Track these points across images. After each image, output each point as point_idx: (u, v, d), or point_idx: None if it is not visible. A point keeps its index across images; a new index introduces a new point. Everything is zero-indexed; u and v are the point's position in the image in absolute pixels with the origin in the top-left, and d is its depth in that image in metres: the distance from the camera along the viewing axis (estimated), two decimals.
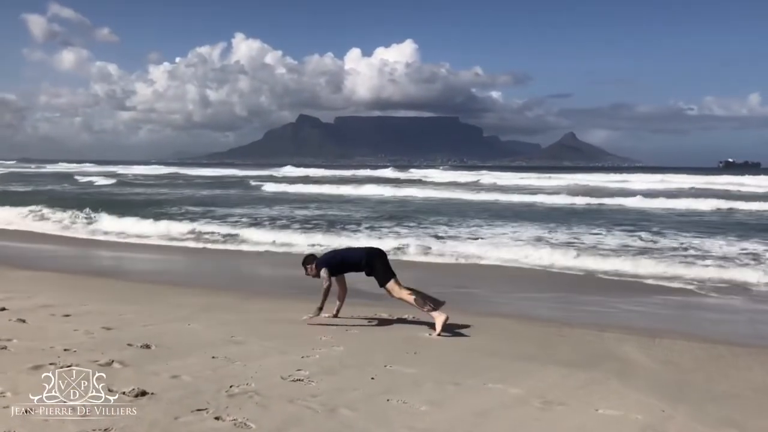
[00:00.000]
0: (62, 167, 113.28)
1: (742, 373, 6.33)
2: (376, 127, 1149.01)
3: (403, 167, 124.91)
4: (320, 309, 7.73)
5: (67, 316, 7.63)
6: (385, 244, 14.44)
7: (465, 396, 5.19)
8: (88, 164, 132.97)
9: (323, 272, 7.80)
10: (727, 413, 5.04)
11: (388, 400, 4.99)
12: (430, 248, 15.07)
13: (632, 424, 4.69)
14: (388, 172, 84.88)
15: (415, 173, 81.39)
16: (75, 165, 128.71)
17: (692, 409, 5.09)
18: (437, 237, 17.23)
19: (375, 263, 7.77)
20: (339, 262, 7.90)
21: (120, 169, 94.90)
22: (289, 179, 61.68)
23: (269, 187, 45.82)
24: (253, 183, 52.97)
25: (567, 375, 5.91)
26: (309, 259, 8.04)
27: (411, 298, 7.52)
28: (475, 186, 51.40)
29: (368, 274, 7.84)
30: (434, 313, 7.41)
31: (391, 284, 7.66)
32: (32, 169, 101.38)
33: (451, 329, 7.54)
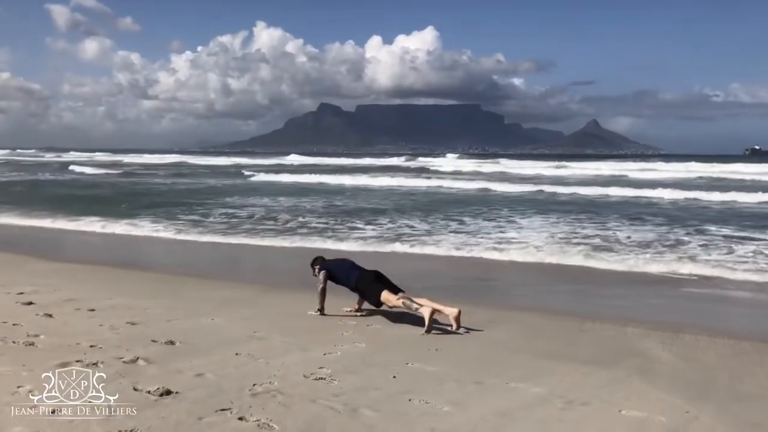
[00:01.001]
0: (71, 156, 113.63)
1: (767, 371, 6.25)
2: (397, 115, 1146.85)
3: (423, 155, 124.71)
4: (320, 310, 8.00)
5: (92, 310, 7.73)
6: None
7: (487, 395, 5.19)
8: (100, 153, 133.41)
9: (321, 275, 8.16)
10: (754, 414, 4.99)
11: (410, 399, 5.00)
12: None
13: (656, 426, 4.65)
14: (395, 161, 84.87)
15: (429, 162, 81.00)
16: (87, 154, 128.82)
17: (717, 409, 5.04)
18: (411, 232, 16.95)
19: (364, 289, 7.99)
20: (334, 275, 8.21)
21: (129, 158, 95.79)
22: (289, 168, 61.85)
23: (260, 178, 46.58)
24: (246, 173, 53.18)
25: (589, 373, 5.89)
26: (316, 261, 8.46)
27: (400, 302, 7.60)
28: (497, 176, 50.88)
29: (362, 297, 8.13)
30: (422, 310, 7.42)
31: (384, 297, 7.76)
32: (31, 158, 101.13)
33: (471, 324, 7.54)
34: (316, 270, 8.30)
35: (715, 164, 62.71)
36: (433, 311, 7.35)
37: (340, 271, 8.19)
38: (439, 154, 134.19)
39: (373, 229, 17.51)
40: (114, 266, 11.82)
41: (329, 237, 15.94)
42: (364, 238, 15.70)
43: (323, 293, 8.04)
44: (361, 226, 18.20)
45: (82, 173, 54.65)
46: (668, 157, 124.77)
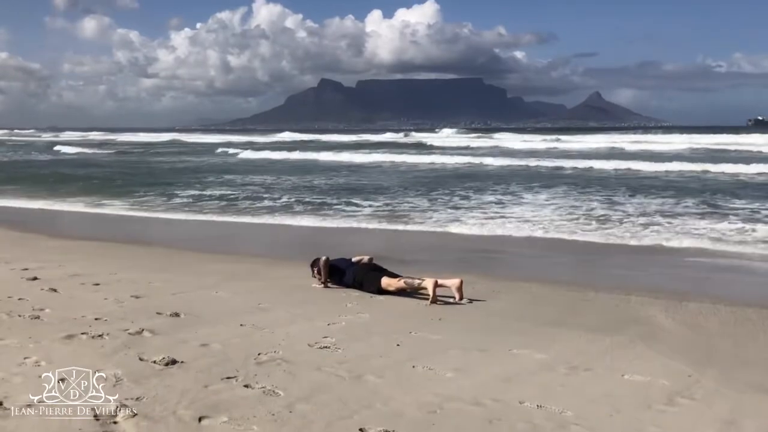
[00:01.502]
0: (67, 135, 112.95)
1: None
2: (398, 90, 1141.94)
3: (425, 131, 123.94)
4: (324, 283, 8.01)
5: (97, 285, 7.76)
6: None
7: (490, 362, 5.22)
8: (96, 132, 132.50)
9: (321, 261, 8.05)
10: (756, 378, 5.01)
11: (413, 366, 5.03)
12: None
13: (659, 389, 4.68)
14: (387, 136, 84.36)
15: (425, 137, 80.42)
16: (81, 133, 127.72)
17: (719, 373, 5.07)
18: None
19: (363, 280, 7.91)
20: (337, 267, 8.12)
21: (123, 137, 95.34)
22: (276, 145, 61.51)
23: (245, 155, 46.54)
24: (231, 151, 52.82)
25: (592, 340, 5.91)
26: (315, 263, 8.23)
27: (402, 282, 7.58)
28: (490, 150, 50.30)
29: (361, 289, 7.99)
30: (424, 283, 7.40)
31: (384, 283, 7.71)
32: (27, 138, 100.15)
33: (474, 294, 7.56)
34: (315, 271, 8.15)
35: (715, 136, 62.23)
36: (436, 282, 7.36)
37: (338, 269, 8.10)
38: (436, 129, 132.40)
39: (369, 206, 17.51)
40: (116, 242, 11.86)
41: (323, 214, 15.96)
42: (355, 216, 15.63)
43: (326, 267, 8.00)
44: (358, 202, 18.19)
45: (64, 153, 53.93)
46: (670, 129, 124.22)
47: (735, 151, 44.26)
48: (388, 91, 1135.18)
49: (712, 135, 62.96)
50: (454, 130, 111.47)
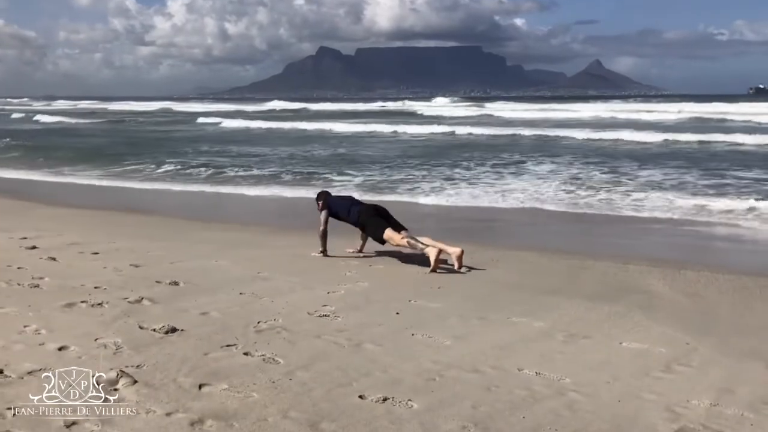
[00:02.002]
0: (58, 104, 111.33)
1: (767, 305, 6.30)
2: (397, 58, 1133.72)
3: (425, 99, 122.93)
4: (323, 252, 7.99)
5: (96, 253, 7.76)
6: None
7: (489, 330, 5.24)
8: (87, 101, 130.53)
9: (322, 215, 8.06)
10: (753, 345, 5.04)
11: (412, 334, 5.05)
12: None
13: (656, 356, 4.71)
14: (372, 106, 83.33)
15: (412, 105, 79.52)
16: (72, 102, 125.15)
17: (717, 341, 5.10)
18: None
19: (366, 223, 7.93)
20: (336, 212, 8.11)
21: (114, 106, 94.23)
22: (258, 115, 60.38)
23: (228, 124, 45.91)
24: (204, 119, 51.62)
25: (591, 308, 5.93)
26: (320, 196, 8.33)
27: (404, 241, 7.56)
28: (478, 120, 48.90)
29: (363, 232, 8.06)
30: (427, 250, 7.40)
31: (387, 235, 7.71)
32: (12, 107, 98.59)
33: (474, 263, 7.57)
34: (320, 205, 8.17)
35: (713, 104, 61.40)
36: (440, 251, 7.36)
37: (341, 208, 8.10)
38: (431, 98, 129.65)
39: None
40: (114, 211, 11.84)
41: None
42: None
43: (324, 235, 7.99)
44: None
45: (43, 122, 52.62)
46: (670, 98, 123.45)
47: (730, 120, 43.24)
48: (387, 60, 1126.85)
49: (706, 104, 62.14)
50: (448, 99, 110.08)
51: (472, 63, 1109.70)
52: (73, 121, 53.85)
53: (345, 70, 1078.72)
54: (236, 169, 18.56)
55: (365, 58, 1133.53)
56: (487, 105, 75.18)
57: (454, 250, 7.41)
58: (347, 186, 15.04)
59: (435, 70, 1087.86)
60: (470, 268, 7.40)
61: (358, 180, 16.33)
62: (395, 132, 35.60)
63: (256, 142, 30.44)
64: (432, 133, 34.49)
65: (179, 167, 19.30)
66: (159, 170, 18.99)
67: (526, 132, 32.52)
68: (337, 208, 8.14)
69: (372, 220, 7.88)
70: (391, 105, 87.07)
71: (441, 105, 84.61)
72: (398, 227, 7.79)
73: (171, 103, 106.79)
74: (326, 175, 17.12)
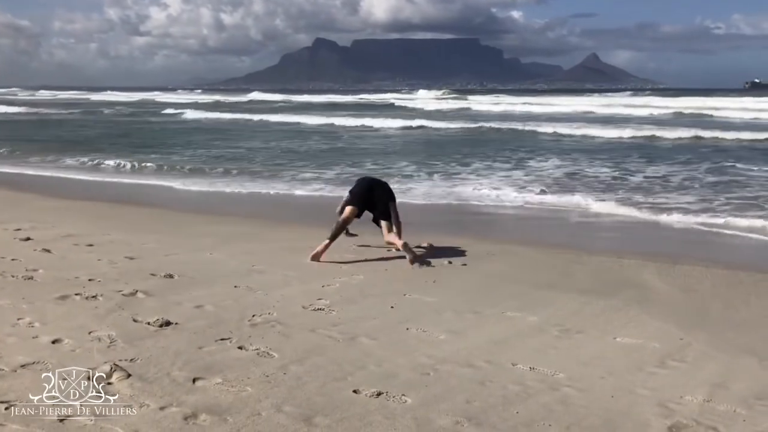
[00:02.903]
0: (42, 94, 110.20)
1: (762, 300, 6.30)
2: (394, 50, 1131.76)
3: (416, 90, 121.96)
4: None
5: (91, 246, 7.73)
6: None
7: (484, 324, 5.25)
8: (73, 92, 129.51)
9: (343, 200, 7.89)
10: (746, 341, 5.05)
11: (407, 328, 5.05)
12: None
13: (650, 351, 4.72)
14: (347, 98, 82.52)
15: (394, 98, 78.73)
16: (53, 92, 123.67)
17: (711, 336, 5.11)
18: None
19: (374, 198, 7.74)
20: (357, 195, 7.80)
21: (97, 96, 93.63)
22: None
23: (189, 115, 45.41)
24: (174, 111, 50.65)
25: (585, 303, 5.94)
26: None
27: (400, 243, 7.40)
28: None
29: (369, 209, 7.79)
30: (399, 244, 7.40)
31: (384, 226, 7.66)
32: None
33: (469, 257, 7.58)
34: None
35: (699, 98, 60.41)
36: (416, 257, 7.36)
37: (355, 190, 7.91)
38: (413, 91, 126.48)
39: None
40: (108, 202, 11.79)
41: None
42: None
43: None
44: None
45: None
46: (665, 92, 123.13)
47: (708, 116, 41.72)
48: (384, 51, 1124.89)
49: (692, 98, 61.39)
50: (432, 92, 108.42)
51: (469, 55, 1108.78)
52: (33, 110, 52.72)
53: (341, 62, 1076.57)
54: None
55: (362, 49, 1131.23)
56: (470, 98, 74.30)
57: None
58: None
59: (432, 62, 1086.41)
60: (465, 263, 7.39)
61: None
62: (363, 125, 34.74)
63: (193, 133, 30.15)
64: (400, 128, 33.43)
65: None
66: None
67: (496, 125, 32.28)
68: (355, 189, 7.98)
69: (382, 205, 7.81)
70: (372, 97, 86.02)
71: (423, 98, 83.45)
72: (392, 225, 7.69)
73: (157, 94, 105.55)
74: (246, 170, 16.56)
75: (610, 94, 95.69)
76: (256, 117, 41.00)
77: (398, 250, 7.48)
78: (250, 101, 76.15)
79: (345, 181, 13.59)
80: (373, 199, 7.77)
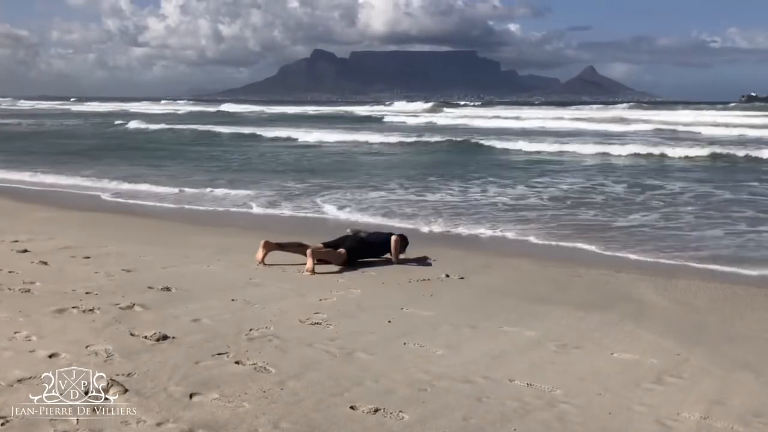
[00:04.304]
0: (21, 104, 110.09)
1: (757, 313, 6.34)
2: (392, 62, 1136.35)
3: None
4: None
5: (88, 258, 7.72)
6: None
7: (481, 339, 5.25)
8: (56, 101, 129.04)
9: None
10: (743, 356, 5.06)
11: (404, 343, 5.05)
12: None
13: (647, 367, 4.72)
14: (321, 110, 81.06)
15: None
16: (30, 102, 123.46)
17: (708, 351, 5.12)
18: None
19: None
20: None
21: (77, 107, 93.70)
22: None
23: (132, 125, 45.00)
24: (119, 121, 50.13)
25: (582, 317, 5.95)
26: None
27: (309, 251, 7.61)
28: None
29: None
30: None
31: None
32: None
33: (466, 270, 7.59)
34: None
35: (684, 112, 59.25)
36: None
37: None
38: (386, 102, 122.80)
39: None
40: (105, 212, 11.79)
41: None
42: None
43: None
44: None
45: None
46: (657, 104, 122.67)
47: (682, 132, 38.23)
48: (381, 63, 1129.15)
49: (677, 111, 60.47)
50: (413, 103, 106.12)
51: (466, 68, 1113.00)
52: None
53: (339, 73, 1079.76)
54: None
55: (360, 61, 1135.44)
56: (446, 110, 72.23)
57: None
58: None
59: (429, 74, 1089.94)
60: (462, 276, 7.40)
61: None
62: (289, 137, 33.55)
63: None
64: (324, 142, 31.35)
65: None
66: None
67: (435, 139, 31.11)
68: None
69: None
70: (350, 108, 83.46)
71: (398, 110, 78.96)
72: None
73: (132, 105, 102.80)
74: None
75: (598, 105, 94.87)
76: (202, 127, 40.45)
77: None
78: (218, 112, 75.26)
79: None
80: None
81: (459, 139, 31.03)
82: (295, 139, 32.90)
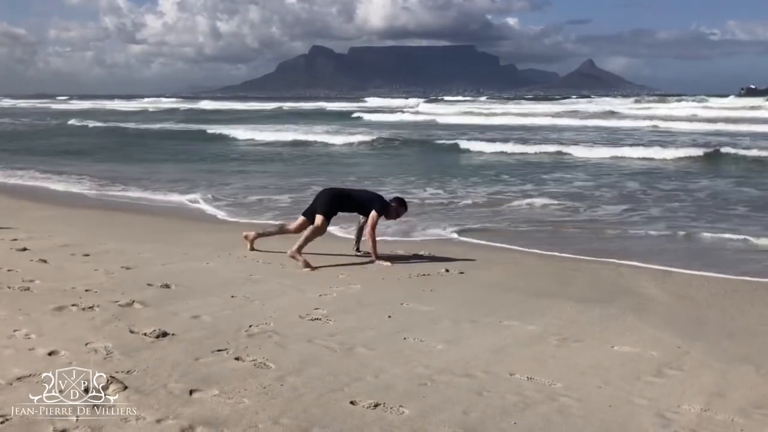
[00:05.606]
0: (3, 102, 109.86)
1: (758, 308, 6.32)
2: (391, 57, 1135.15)
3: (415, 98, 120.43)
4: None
5: (87, 255, 7.71)
6: None
7: (481, 333, 5.24)
8: (34, 100, 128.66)
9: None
10: (743, 350, 5.06)
11: (404, 338, 5.04)
12: None
13: (648, 360, 4.72)
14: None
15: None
16: (12, 101, 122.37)
17: (708, 345, 5.11)
18: None
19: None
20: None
21: (57, 106, 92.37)
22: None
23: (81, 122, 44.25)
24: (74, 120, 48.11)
25: (583, 311, 5.94)
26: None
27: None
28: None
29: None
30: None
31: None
32: None
33: (467, 265, 7.59)
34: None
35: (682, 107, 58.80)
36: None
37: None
38: (365, 98, 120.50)
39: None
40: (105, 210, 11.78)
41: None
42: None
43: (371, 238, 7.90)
44: None
45: None
46: (661, 97, 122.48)
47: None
48: (380, 58, 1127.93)
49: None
50: (397, 100, 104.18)
51: (465, 62, 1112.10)
52: None
53: (338, 69, 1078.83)
54: None
55: (358, 56, 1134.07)
56: (423, 106, 70.28)
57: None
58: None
59: (428, 69, 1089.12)
60: (462, 271, 7.40)
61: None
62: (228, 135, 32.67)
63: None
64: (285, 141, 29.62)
65: None
66: None
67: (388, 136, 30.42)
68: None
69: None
70: (331, 105, 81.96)
71: (372, 106, 78.61)
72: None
73: (110, 102, 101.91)
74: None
75: (589, 99, 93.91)
76: (156, 126, 40.22)
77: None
78: (192, 110, 74.91)
79: None
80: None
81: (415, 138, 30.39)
82: (234, 138, 31.97)
